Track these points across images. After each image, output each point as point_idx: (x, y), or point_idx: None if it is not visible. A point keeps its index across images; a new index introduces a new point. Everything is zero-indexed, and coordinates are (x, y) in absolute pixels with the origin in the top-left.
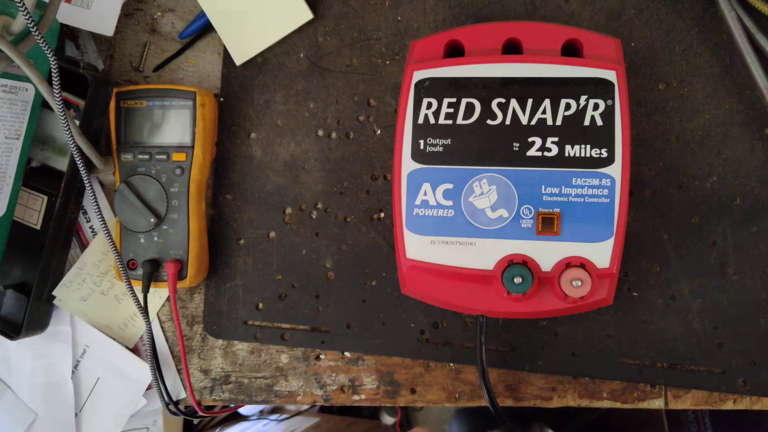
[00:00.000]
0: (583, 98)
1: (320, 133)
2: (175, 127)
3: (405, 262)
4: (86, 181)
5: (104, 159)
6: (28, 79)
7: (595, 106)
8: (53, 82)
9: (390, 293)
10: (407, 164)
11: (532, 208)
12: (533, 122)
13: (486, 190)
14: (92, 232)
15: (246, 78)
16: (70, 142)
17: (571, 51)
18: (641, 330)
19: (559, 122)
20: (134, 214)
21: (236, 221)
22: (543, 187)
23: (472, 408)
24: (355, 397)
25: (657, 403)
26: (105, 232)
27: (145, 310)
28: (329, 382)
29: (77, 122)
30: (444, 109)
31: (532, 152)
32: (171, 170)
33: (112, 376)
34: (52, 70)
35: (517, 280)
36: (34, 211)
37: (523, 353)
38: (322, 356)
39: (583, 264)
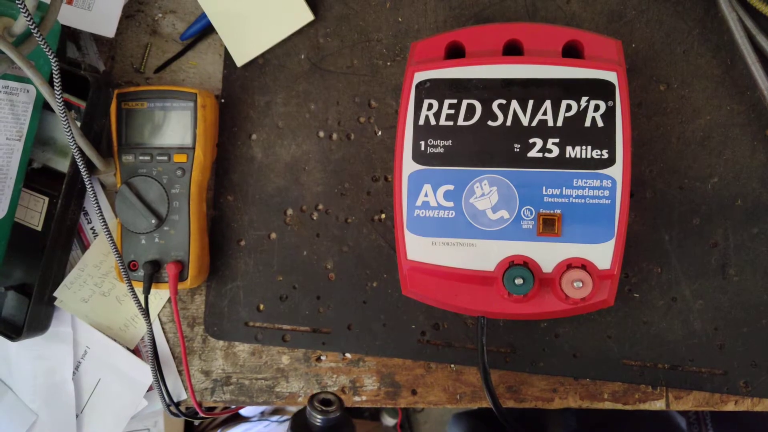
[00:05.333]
0: (584, 99)
1: (321, 134)
2: (176, 128)
3: (406, 263)
4: (87, 183)
5: (105, 160)
6: (29, 81)
7: (596, 108)
8: (54, 83)
9: (391, 294)
10: (408, 165)
11: (533, 210)
12: (534, 123)
13: (487, 192)
14: (93, 233)
15: (247, 79)
16: (71, 144)
17: (572, 52)
18: (642, 331)
19: (559, 123)
20: (135, 216)
21: (237, 222)
22: (544, 188)
23: (471, 411)
24: (356, 399)
25: (658, 405)
26: (106, 233)
27: (146, 312)
28: (330, 383)
29: (78, 123)
30: (445, 111)
31: (532, 153)
32: (172, 171)
33: (113, 377)
34: (54, 71)
35: (518, 281)
36: (35, 212)
37: (524, 354)
38: (323, 357)
39: (584, 265)
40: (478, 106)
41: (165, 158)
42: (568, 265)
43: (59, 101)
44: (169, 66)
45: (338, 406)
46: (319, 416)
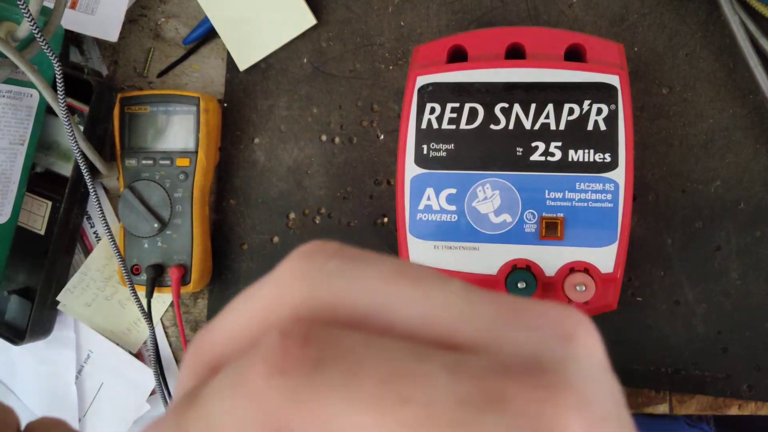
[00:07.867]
0: (586, 103)
1: (323, 138)
2: (179, 132)
3: None
4: (90, 187)
5: (108, 164)
6: (32, 85)
7: (599, 111)
8: (57, 87)
9: None
10: (410, 169)
11: (535, 213)
12: (536, 127)
13: (489, 195)
14: (96, 237)
15: (249, 83)
16: (74, 148)
17: (574, 56)
18: (645, 335)
19: (562, 127)
20: (138, 220)
21: (240, 226)
22: (546, 191)
23: None
24: None
25: (661, 408)
26: (109, 237)
27: (148, 316)
28: None
29: (81, 128)
30: (447, 114)
31: (535, 157)
32: (175, 175)
33: (115, 381)
34: (57, 75)
35: (521, 285)
36: (38, 216)
37: None
38: None
39: (587, 269)
40: (481, 109)
41: (168, 162)
42: (571, 268)
43: (62, 105)
44: (172, 70)
45: None
46: None
